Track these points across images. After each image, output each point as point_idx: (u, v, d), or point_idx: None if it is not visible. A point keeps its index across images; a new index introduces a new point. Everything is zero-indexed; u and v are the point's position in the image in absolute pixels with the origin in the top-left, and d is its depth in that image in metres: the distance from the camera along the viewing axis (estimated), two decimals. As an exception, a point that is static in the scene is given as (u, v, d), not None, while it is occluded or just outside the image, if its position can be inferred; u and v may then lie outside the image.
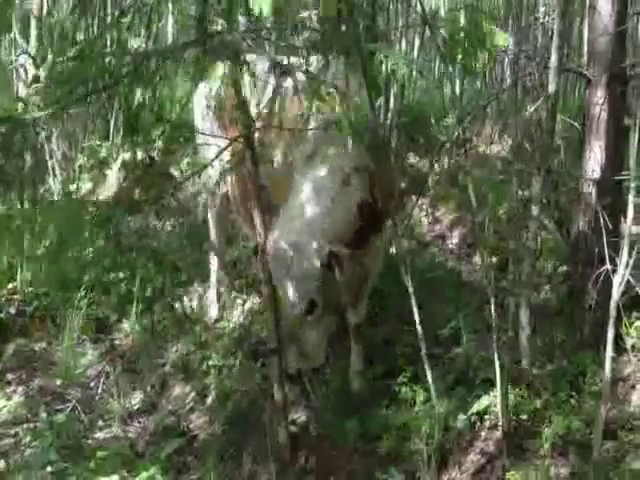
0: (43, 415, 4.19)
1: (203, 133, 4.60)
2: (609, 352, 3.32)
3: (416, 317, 3.63)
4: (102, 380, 4.55)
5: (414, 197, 6.49)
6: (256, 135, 3.82)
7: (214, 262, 5.22)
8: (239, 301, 5.18)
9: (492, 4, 10.33)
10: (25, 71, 6.38)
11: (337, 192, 3.90)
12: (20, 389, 4.47)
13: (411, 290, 3.64)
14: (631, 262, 3.30)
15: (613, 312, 3.31)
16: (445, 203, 6.39)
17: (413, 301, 3.63)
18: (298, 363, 3.83)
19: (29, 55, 6.32)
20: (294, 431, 3.84)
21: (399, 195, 4.21)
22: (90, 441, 4.03)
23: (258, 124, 3.87)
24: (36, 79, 5.97)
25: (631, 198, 3.35)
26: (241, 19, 6.76)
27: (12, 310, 5.01)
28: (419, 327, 3.67)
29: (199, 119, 4.97)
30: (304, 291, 3.74)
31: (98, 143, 7.05)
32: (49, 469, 3.73)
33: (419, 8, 3.74)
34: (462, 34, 3.25)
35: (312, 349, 3.84)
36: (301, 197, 3.94)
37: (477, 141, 6.79)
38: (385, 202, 3.95)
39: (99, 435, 4.14)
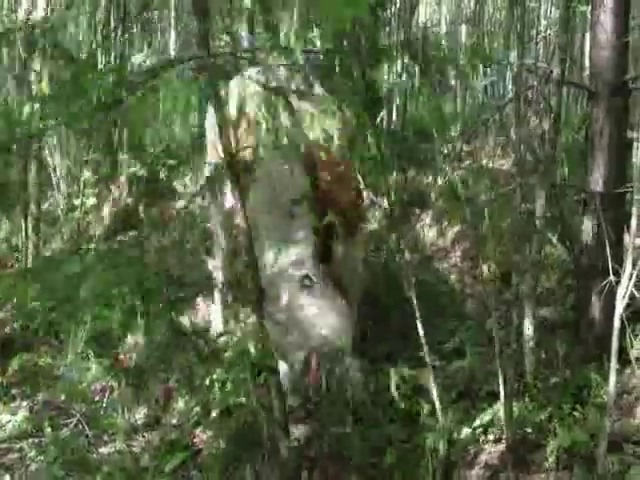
0: (48, 430, 4.18)
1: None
2: (613, 364, 3.31)
3: (420, 330, 3.63)
4: (106, 395, 4.54)
5: (417, 211, 6.55)
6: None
7: (218, 276, 5.23)
8: (242, 315, 5.19)
9: (493, 17, 10.41)
10: (28, 85, 6.40)
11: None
12: (25, 404, 4.47)
13: (415, 303, 3.64)
14: (635, 274, 3.30)
15: (617, 324, 3.30)
16: (448, 217, 6.41)
17: (417, 314, 3.63)
18: (306, 347, 3.74)
19: (32, 70, 6.35)
20: (297, 445, 3.82)
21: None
22: (95, 456, 4.01)
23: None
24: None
25: (635, 210, 3.34)
26: (243, 35, 6.80)
27: (16, 325, 5.02)
28: (423, 340, 3.66)
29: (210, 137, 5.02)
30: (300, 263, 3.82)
31: (101, 158, 7.07)
32: (54, 484, 3.73)
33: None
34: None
35: (322, 326, 3.79)
36: None
37: (480, 155, 6.80)
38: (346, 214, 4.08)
39: (104, 450, 4.12)
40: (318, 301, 3.87)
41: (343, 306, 3.99)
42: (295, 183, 4.04)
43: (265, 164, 3.94)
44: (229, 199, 4.26)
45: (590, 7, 4.59)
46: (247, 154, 3.97)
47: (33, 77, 6.21)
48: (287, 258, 3.96)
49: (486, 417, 3.76)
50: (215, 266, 5.33)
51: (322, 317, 3.83)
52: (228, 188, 3.77)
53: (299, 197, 4.04)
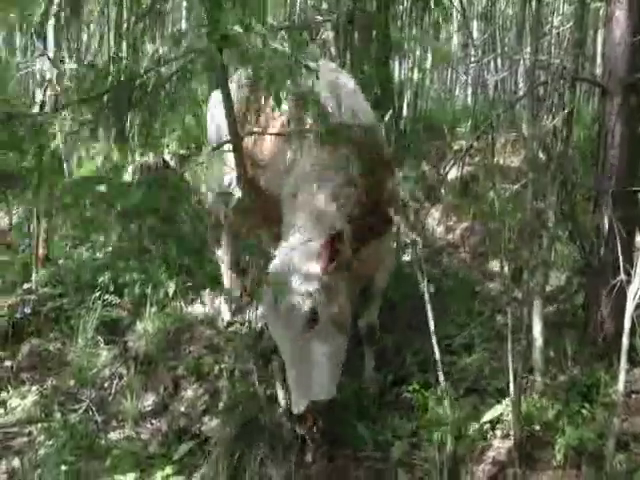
0: (57, 415, 4.21)
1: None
2: (623, 363, 3.32)
3: (431, 325, 3.64)
4: (115, 381, 4.57)
5: (427, 206, 6.54)
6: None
7: (227, 266, 5.23)
8: (251, 305, 5.19)
9: (506, 13, 10.38)
10: (41, 74, 6.40)
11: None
12: (34, 389, 4.49)
13: (427, 297, 3.65)
14: (646, 274, 3.30)
15: (627, 323, 3.31)
16: (458, 212, 6.41)
17: (429, 307, 3.64)
18: (306, 396, 3.47)
19: (47, 58, 6.34)
20: (304, 435, 3.83)
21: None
22: (103, 441, 4.04)
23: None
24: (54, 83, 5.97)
25: (646, 210, 3.35)
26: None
27: (27, 310, 5.04)
28: (433, 335, 3.67)
29: (212, 128, 5.04)
30: (305, 296, 3.44)
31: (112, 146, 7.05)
32: (63, 468, 3.75)
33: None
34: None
35: (322, 374, 3.50)
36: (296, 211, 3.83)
37: (491, 151, 6.80)
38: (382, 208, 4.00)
39: (112, 435, 4.15)
40: (321, 344, 3.48)
41: (342, 347, 3.62)
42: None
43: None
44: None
45: (605, 3, 4.57)
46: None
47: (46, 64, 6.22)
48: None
49: (494, 413, 3.77)
50: (222, 256, 5.33)
51: (321, 365, 3.49)
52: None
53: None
